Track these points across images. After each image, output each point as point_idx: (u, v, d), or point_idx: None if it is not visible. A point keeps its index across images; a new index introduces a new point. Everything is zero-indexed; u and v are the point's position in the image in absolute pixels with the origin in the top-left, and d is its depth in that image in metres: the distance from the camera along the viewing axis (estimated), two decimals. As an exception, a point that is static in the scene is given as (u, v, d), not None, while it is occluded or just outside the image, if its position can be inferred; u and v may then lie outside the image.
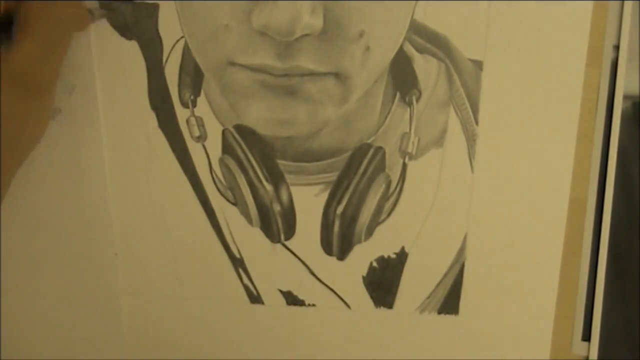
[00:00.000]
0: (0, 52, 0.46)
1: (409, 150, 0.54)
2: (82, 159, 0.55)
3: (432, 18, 0.52)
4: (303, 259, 0.55)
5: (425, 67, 0.53)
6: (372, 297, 0.55)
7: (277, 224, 0.55)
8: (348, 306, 0.55)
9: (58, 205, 0.55)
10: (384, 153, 0.54)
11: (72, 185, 0.55)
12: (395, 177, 0.54)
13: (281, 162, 0.54)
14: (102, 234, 0.56)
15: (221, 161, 0.55)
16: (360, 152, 0.54)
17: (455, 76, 0.53)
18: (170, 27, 0.53)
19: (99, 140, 0.55)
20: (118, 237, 0.56)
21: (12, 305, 0.56)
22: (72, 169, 0.55)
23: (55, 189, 0.55)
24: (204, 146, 0.55)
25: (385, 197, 0.54)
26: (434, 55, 0.52)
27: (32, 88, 0.47)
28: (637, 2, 0.52)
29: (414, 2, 0.52)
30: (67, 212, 0.55)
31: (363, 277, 0.55)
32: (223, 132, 0.54)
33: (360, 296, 0.55)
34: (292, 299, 0.56)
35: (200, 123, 0.54)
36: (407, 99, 0.53)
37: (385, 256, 0.55)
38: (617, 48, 0.53)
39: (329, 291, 0.55)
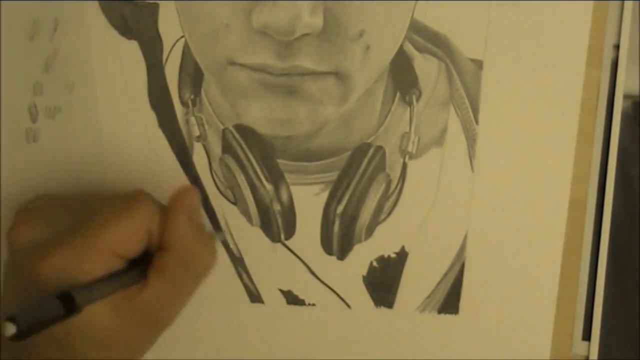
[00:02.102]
0: (128, 293, 0.45)
1: (409, 149, 0.54)
2: (82, 158, 0.55)
3: (433, 17, 0.52)
4: (303, 258, 0.55)
5: (426, 67, 0.53)
6: (372, 296, 0.55)
7: (277, 224, 0.55)
8: (348, 306, 0.55)
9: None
10: (384, 152, 0.54)
11: (71, 185, 0.55)
12: (395, 176, 0.54)
13: (281, 162, 0.54)
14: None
15: (221, 161, 0.55)
16: (360, 151, 0.54)
17: (455, 76, 0.53)
18: (170, 26, 0.53)
19: (99, 140, 0.55)
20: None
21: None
22: (72, 168, 0.55)
23: (55, 189, 0.55)
24: (204, 146, 0.55)
25: (385, 197, 0.54)
26: (434, 54, 0.52)
27: (155, 325, 0.47)
28: (637, 2, 0.52)
29: (414, 1, 0.52)
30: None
31: (363, 277, 0.55)
32: (223, 131, 0.54)
33: (361, 296, 0.55)
34: (292, 299, 0.56)
35: (200, 122, 0.54)
36: (407, 98, 0.53)
37: (386, 256, 0.55)
38: (617, 48, 0.53)
39: (329, 291, 0.55)
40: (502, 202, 0.54)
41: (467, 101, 0.53)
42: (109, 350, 0.45)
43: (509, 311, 0.55)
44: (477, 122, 0.53)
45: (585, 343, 0.55)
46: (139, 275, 0.46)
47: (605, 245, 0.54)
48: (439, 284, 0.55)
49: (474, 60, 0.52)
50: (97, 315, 0.44)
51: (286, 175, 0.54)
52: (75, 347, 0.44)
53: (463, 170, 0.54)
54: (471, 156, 0.53)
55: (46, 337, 0.42)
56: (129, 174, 0.55)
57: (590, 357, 0.55)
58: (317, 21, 0.51)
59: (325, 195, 0.54)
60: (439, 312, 0.55)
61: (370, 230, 0.54)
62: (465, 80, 0.53)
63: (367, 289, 0.55)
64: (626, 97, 0.53)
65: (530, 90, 0.53)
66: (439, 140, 0.53)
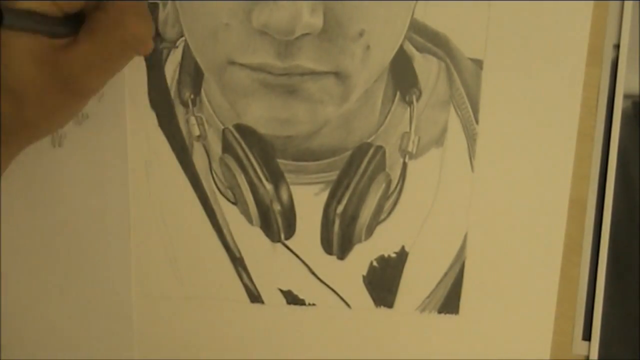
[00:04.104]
0: (54, 45, 0.44)
1: (409, 149, 0.54)
2: (105, 164, 0.55)
3: (433, 17, 0.52)
4: (303, 258, 0.55)
5: (426, 66, 0.53)
6: (372, 296, 0.55)
7: (277, 223, 0.55)
8: (348, 305, 0.55)
9: (78, 207, 0.55)
10: (384, 152, 0.54)
11: (95, 191, 0.55)
12: (395, 176, 0.54)
13: (281, 162, 0.54)
14: (118, 237, 0.56)
15: (221, 160, 0.55)
16: (360, 151, 0.54)
17: (455, 75, 0.53)
18: (170, 26, 0.53)
19: (124, 147, 0.54)
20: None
21: (15, 304, 0.56)
22: (95, 172, 0.55)
23: (78, 193, 0.55)
24: (204, 145, 0.55)
25: (385, 197, 0.54)
26: (434, 54, 0.52)
27: (75, 91, 0.47)
28: (637, 2, 0.52)
29: (414, 1, 0.52)
30: (87, 214, 0.55)
31: (363, 277, 0.55)
32: (223, 131, 0.54)
33: (361, 295, 0.55)
34: (292, 299, 0.56)
35: (200, 122, 0.54)
36: (407, 98, 0.53)
37: (386, 255, 0.55)
38: (617, 47, 0.53)
39: (329, 290, 0.55)
40: (502, 201, 0.54)
41: (467, 101, 0.53)
42: (22, 103, 0.45)
43: (509, 311, 0.55)
44: (477, 122, 0.53)
45: (586, 343, 0.55)
46: (69, 31, 0.46)
47: (605, 245, 0.54)
48: (439, 283, 0.55)
49: (474, 60, 0.53)
50: (16, 58, 0.43)
51: (286, 175, 0.54)
52: None
53: (463, 170, 0.54)
54: (471, 156, 0.53)
55: None
56: (129, 173, 0.55)
57: (590, 357, 0.55)
58: (317, 21, 0.51)
59: (325, 195, 0.54)
60: (439, 311, 0.55)
61: (370, 230, 0.54)
62: (466, 79, 0.53)
63: (367, 288, 0.55)
64: (626, 96, 0.53)
65: (530, 90, 0.53)
66: (439, 140, 0.53)
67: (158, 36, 0.53)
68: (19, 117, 0.45)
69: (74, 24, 0.46)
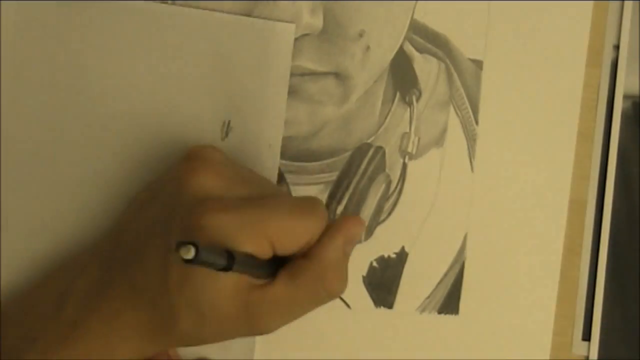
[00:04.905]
0: (252, 284, 0.45)
1: (409, 150, 0.54)
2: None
3: (433, 18, 0.52)
4: (303, 258, 0.55)
5: (425, 67, 0.53)
6: (372, 297, 0.55)
7: (277, 224, 0.55)
8: (348, 306, 0.55)
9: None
10: (384, 153, 0.54)
11: None
12: (395, 177, 0.54)
13: (281, 162, 0.54)
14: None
15: (221, 161, 0.55)
16: (360, 151, 0.54)
17: (455, 76, 0.53)
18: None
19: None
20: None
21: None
22: None
23: None
24: (204, 146, 0.55)
25: (385, 197, 0.54)
26: (434, 55, 0.52)
27: (252, 328, 0.46)
28: (637, 2, 0.52)
29: (414, 1, 0.52)
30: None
31: (363, 277, 0.55)
32: (223, 131, 0.54)
33: (360, 296, 0.55)
34: (292, 299, 0.55)
35: (200, 123, 0.54)
36: (407, 98, 0.53)
37: (385, 256, 0.55)
38: (617, 48, 0.53)
39: (329, 291, 0.55)
40: (502, 202, 0.54)
41: (467, 101, 0.53)
42: (202, 326, 0.44)
43: (509, 311, 0.55)
44: (477, 123, 0.53)
45: (585, 343, 0.55)
46: (270, 273, 0.45)
47: (605, 245, 0.54)
48: (439, 284, 0.55)
49: (474, 61, 0.53)
50: (217, 291, 0.43)
51: (286, 175, 0.54)
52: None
53: (463, 170, 0.54)
54: (471, 156, 0.53)
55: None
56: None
57: (590, 358, 0.55)
58: (317, 21, 0.51)
59: (325, 196, 0.54)
60: (439, 312, 0.55)
61: (370, 231, 0.54)
62: (465, 80, 0.53)
63: (367, 289, 0.55)
64: (626, 97, 0.53)
65: (530, 90, 0.53)
66: (439, 141, 0.54)
67: None
68: (190, 335, 0.45)
69: (276, 266, 0.46)
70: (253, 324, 0.45)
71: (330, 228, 0.47)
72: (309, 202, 0.47)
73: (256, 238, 0.43)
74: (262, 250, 0.44)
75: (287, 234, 0.45)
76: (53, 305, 0.47)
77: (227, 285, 0.43)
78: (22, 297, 0.49)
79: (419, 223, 0.54)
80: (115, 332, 0.45)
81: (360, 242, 0.55)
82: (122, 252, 0.46)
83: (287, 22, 0.51)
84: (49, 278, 0.50)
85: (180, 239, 0.37)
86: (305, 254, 0.46)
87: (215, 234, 0.42)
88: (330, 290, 0.46)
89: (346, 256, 0.47)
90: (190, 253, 0.36)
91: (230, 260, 0.40)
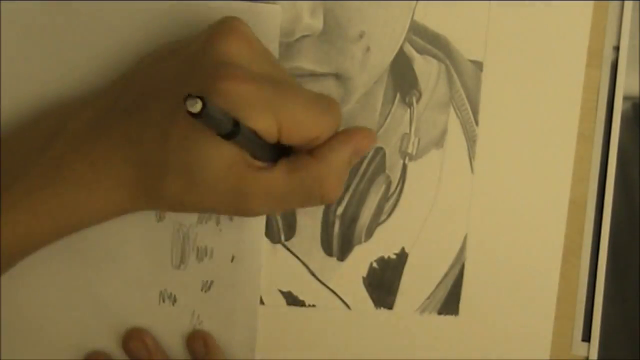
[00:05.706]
0: (250, 163, 0.44)
1: (409, 151, 0.54)
2: None
3: (433, 19, 0.52)
4: (303, 259, 0.55)
5: (426, 68, 0.53)
6: (372, 297, 0.55)
7: (278, 225, 0.55)
8: (348, 307, 0.55)
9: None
10: (384, 154, 0.54)
11: None
12: (395, 177, 0.54)
13: (281, 163, 0.54)
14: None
15: (221, 162, 0.55)
16: (360, 152, 0.54)
17: (455, 77, 0.53)
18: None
19: None
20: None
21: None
22: None
23: None
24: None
25: (385, 198, 0.54)
26: (434, 56, 0.53)
27: (238, 207, 0.46)
28: (637, 2, 0.52)
29: (414, 2, 0.52)
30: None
31: (363, 278, 0.55)
32: (223, 132, 0.54)
33: (361, 297, 0.55)
34: (292, 300, 0.56)
35: (201, 124, 0.54)
36: (407, 99, 0.53)
37: (386, 257, 0.55)
38: (617, 49, 0.53)
39: (329, 292, 0.55)
40: (502, 203, 0.54)
41: (467, 102, 0.53)
42: (189, 192, 0.44)
43: (509, 312, 0.55)
44: (477, 124, 0.53)
45: (585, 344, 0.55)
46: (271, 158, 0.45)
47: (605, 246, 0.54)
48: (439, 285, 0.55)
49: (474, 62, 0.53)
50: (214, 159, 0.43)
51: (286, 176, 0.54)
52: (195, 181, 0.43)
53: (463, 171, 0.54)
54: (471, 157, 0.54)
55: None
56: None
57: (590, 358, 0.55)
58: (317, 22, 0.51)
59: (325, 197, 0.54)
60: (439, 313, 0.55)
61: (370, 232, 0.54)
62: (465, 81, 0.53)
63: (367, 290, 0.55)
64: (626, 98, 0.53)
65: (530, 91, 0.53)
66: (439, 142, 0.54)
67: None
68: (173, 199, 0.45)
69: (278, 152, 0.46)
70: (240, 202, 0.45)
71: (341, 134, 0.46)
72: (326, 100, 0.46)
73: (266, 118, 0.43)
74: (269, 131, 0.43)
75: (297, 123, 0.44)
76: (42, 143, 0.46)
77: (224, 157, 0.43)
78: (13, 134, 0.48)
79: (419, 224, 0.54)
80: (100, 181, 0.44)
81: (360, 243, 0.55)
82: (125, 101, 0.45)
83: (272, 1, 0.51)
84: (41, 117, 0.49)
85: None
86: (310, 151, 0.46)
87: (227, 100, 0.42)
88: (324, 193, 0.46)
89: (349, 166, 0.47)
90: (197, 107, 0.35)
91: (236, 127, 0.39)
